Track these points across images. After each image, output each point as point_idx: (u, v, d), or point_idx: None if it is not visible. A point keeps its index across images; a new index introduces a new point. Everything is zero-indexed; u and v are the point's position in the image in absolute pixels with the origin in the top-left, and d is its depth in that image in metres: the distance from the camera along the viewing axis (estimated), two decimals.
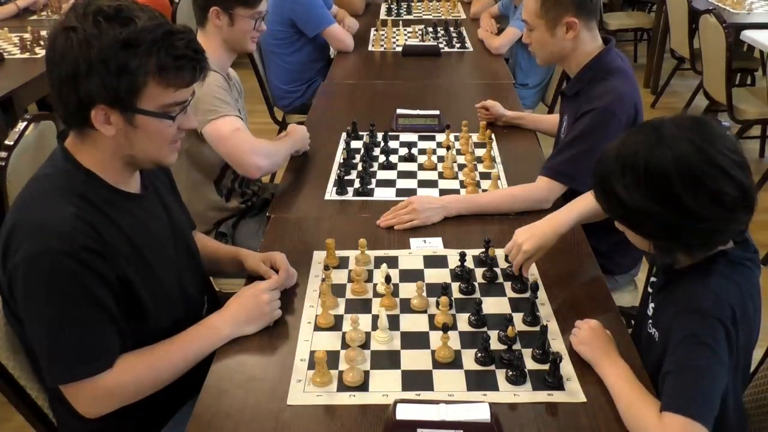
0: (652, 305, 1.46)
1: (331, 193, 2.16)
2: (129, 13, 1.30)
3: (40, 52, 3.68)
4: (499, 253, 1.78)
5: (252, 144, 2.15)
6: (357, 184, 2.17)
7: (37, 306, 1.33)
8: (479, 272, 1.74)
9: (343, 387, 1.38)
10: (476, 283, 1.70)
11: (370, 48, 3.76)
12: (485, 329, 1.53)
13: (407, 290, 1.66)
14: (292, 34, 3.66)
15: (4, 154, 2.15)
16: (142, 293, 1.43)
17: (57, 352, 1.34)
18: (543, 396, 1.35)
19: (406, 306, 1.61)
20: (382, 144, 2.42)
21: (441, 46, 3.70)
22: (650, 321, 1.44)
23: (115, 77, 1.28)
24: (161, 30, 1.31)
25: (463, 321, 1.56)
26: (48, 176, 1.40)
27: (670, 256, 1.34)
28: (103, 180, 1.41)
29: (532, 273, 1.72)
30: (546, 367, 1.40)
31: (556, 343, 1.49)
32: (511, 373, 1.39)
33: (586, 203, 1.74)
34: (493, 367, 1.43)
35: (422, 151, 2.39)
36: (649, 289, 1.51)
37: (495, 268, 1.74)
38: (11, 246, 1.32)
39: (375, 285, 1.69)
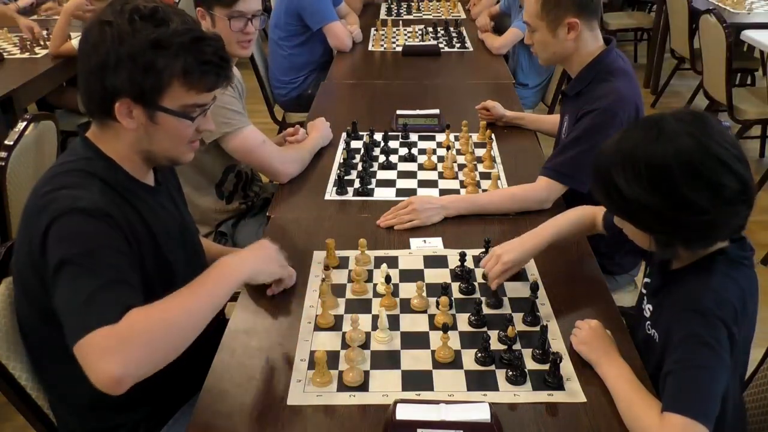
0: (648, 306, 1.46)
1: (331, 193, 2.16)
2: (164, 15, 1.35)
3: (41, 52, 3.68)
4: None
5: (280, 154, 2.25)
6: (357, 184, 2.17)
7: (62, 253, 1.23)
8: (479, 272, 1.73)
9: (343, 387, 1.38)
10: (476, 283, 1.70)
11: (370, 48, 3.76)
12: (485, 329, 1.52)
13: (407, 290, 1.66)
14: (298, 27, 3.69)
15: (4, 154, 2.16)
16: (155, 284, 1.40)
17: (76, 306, 1.20)
18: (543, 396, 1.35)
19: (406, 306, 1.61)
20: (382, 144, 2.42)
21: (441, 46, 3.70)
22: (648, 322, 1.44)
23: (142, 74, 1.32)
24: (191, 35, 1.36)
25: (463, 321, 1.56)
26: (68, 163, 1.40)
27: (671, 250, 1.34)
28: (123, 168, 1.43)
29: (532, 273, 1.72)
30: (546, 367, 1.40)
31: (556, 343, 1.49)
32: (511, 373, 1.39)
33: (565, 219, 1.73)
34: (493, 367, 1.42)
35: (422, 151, 2.39)
36: (643, 290, 1.51)
37: None
38: (39, 215, 1.28)
39: (375, 285, 1.69)
